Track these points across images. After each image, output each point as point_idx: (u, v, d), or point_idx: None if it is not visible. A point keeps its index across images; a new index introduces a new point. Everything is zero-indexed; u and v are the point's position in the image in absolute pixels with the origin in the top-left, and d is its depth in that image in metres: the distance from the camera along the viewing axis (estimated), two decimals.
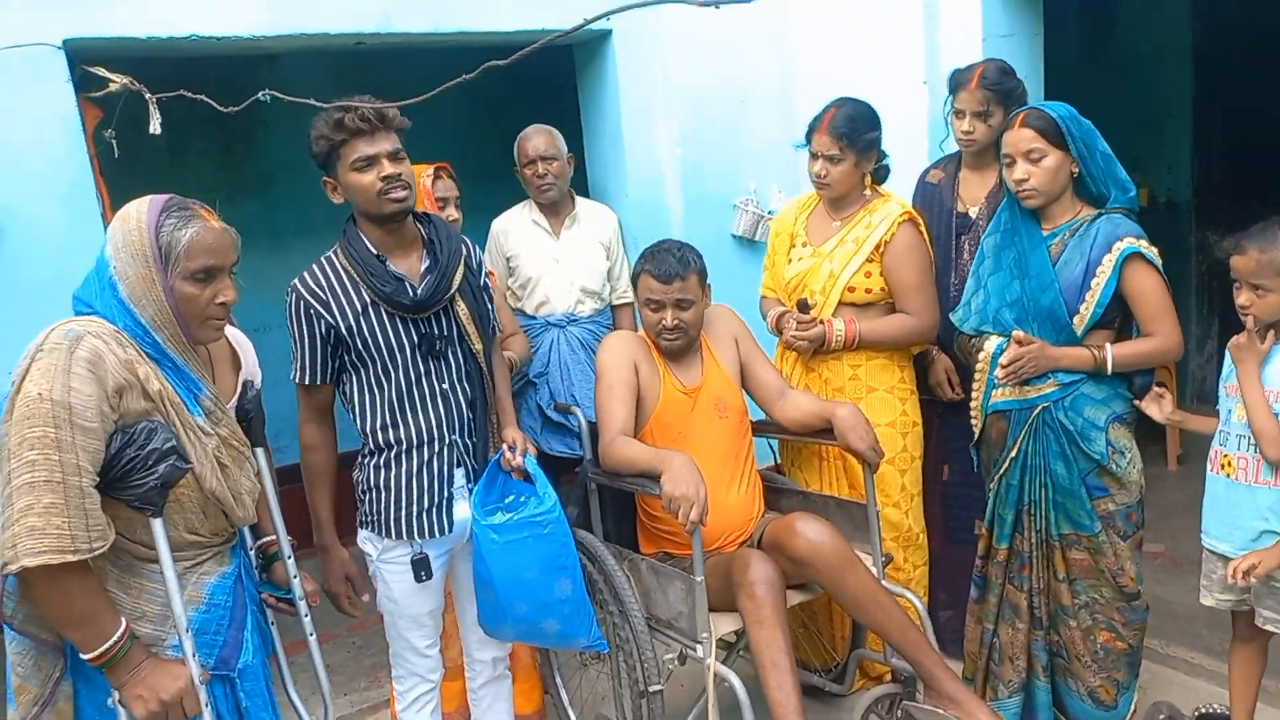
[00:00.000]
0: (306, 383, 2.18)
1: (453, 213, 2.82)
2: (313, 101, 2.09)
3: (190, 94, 2.90)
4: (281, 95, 2.60)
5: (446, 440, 2.23)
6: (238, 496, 1.78)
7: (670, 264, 2.49)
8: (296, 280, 2.17)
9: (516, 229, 3.30)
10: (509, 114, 3.68)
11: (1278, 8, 4.43)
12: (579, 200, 3.33)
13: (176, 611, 1.64)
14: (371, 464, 2.24)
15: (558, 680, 2.93)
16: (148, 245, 1.64)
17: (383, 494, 2.23)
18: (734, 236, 3.59)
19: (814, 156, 2.68)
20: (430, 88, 2.44)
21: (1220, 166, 4.97)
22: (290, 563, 1.98)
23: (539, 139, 3.23)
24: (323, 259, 2.21)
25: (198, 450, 1.69)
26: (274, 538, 2.01)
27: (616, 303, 3.43)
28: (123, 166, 2.91)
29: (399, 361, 2.17)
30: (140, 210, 1.67)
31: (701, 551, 2.27)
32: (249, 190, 4.54)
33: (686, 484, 2.21)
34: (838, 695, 2.83)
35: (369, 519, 2.27)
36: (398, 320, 2.16)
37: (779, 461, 2.97)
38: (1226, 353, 2.31)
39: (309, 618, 1.98)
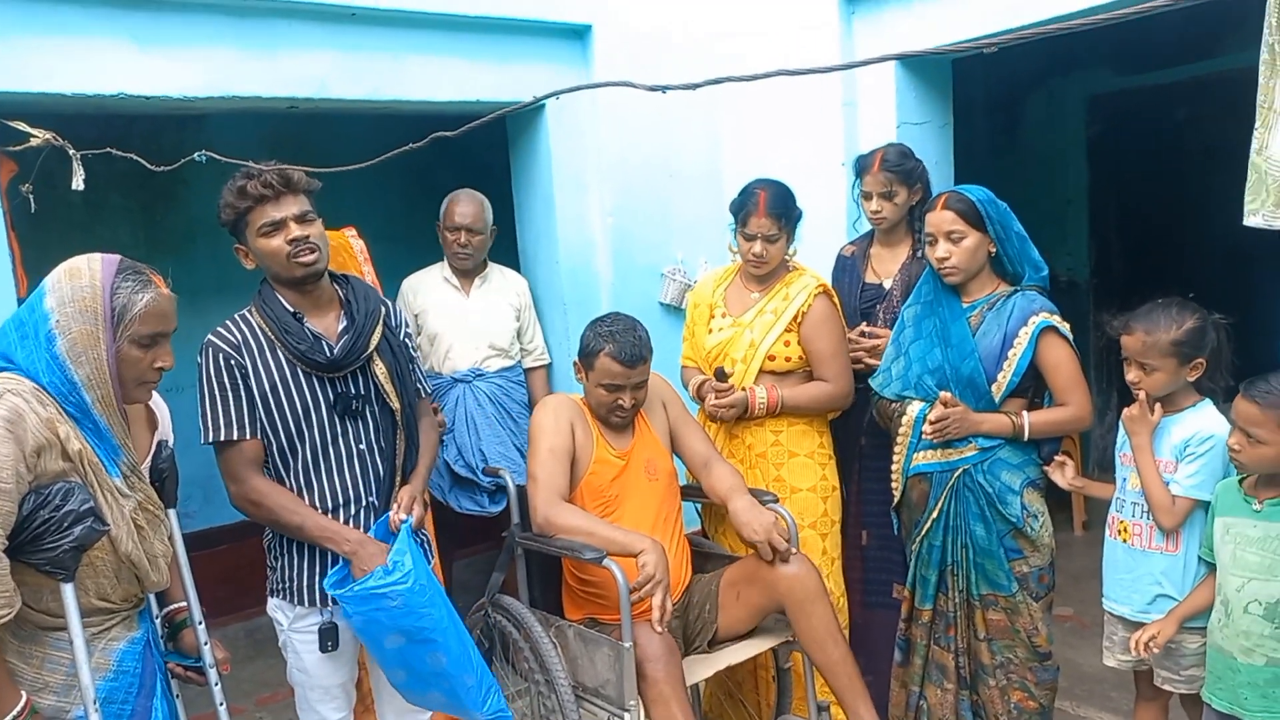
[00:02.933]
0: (235, 437, 2.09)
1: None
2: (250, 163, 2.10)
3: (119, 152, 2.86)
4: (218, 156, 2.58)
5: (363, 503, 2.19)
6: (153, 560, 1.73)
7: (634, 348, 2.47)
8: (211, 335, 2.13)
9: (426, 285, 3.41)
10: (437, 180, 3.73)
11: (1163, 113, 4.92)
12: (491, 265, 3.48)
13: (84, 682, 1.57)
14: None
15: None
16: (100, 304, 1.63)
17: (294, 559, 2.18)
18: (661, 304, 3.67)
19: (751, 239, 2.76)
20: (362, 151, 2.47)
21: (1115, 251, 5.42)
22: (201, 628, 1.92)
23: (468, 208, 3.34)
24: (237, 316, 2.18)
25: (114, 512, 1.64)
26: (182, 605, 1.95)
27: (531, 365, 3.49)
28: (35, 222, 2.84)
29: (314, 421, 2.14)
30: (94, 268, 1.66)
31: (630, 618, 2.27)
32: (168, 248, 4.45)
33: (662, 568, 2.29)
34: None
35: (280, 587, 2.21)
36: (314, 379, 2.14)
37: (704, 525, 2.99)
38: (1120, 423, 2.44)
39: (219, 686, 1.92)
